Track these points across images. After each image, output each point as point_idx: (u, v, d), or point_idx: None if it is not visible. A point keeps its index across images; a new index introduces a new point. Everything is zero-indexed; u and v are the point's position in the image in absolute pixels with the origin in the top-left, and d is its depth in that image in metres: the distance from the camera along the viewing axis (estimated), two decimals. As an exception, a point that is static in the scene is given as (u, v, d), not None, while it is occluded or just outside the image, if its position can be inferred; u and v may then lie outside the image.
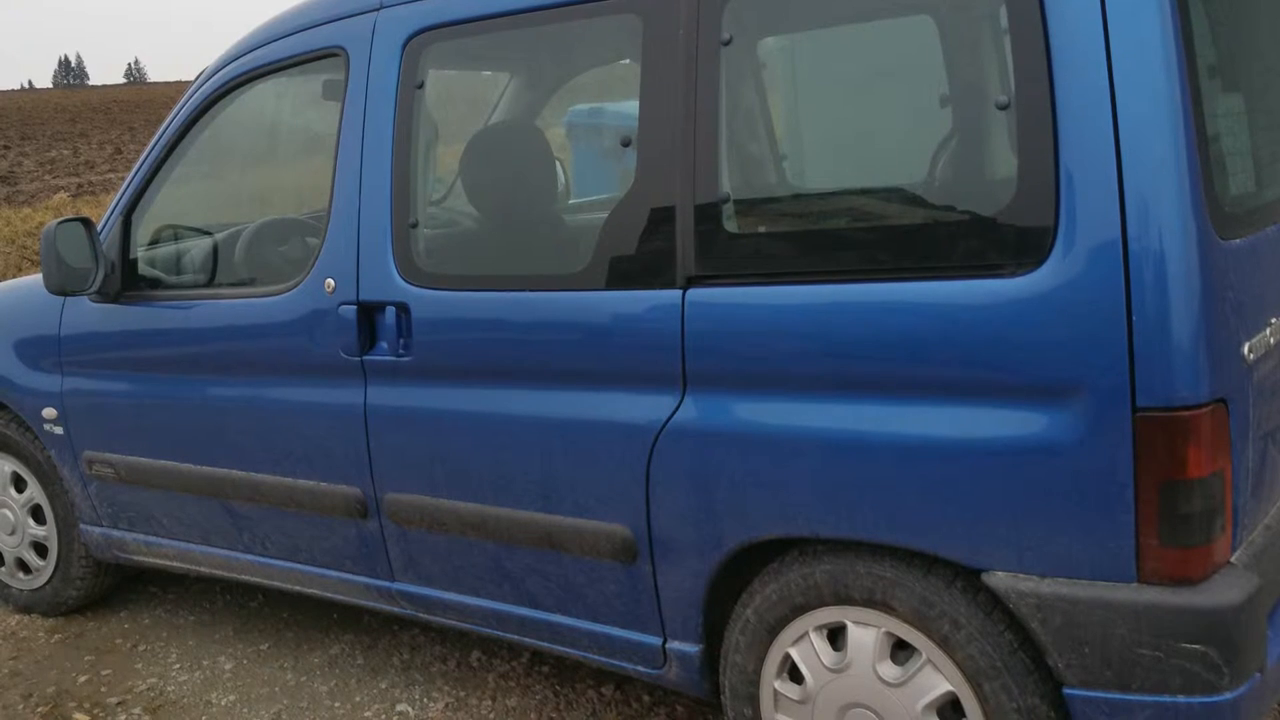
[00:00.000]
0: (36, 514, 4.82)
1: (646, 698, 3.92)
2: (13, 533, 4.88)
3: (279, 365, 3.78)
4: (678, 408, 2.99)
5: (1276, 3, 3.15)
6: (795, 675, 2.99)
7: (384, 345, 3.49)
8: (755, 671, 3.04)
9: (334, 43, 3.65)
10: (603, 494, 3.15)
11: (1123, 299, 2.38)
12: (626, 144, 3.06)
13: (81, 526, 4.65)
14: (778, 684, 3.01)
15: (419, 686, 4.12)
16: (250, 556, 4.16)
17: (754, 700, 3.07)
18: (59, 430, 4.51)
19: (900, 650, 2.82)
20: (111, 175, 28.73)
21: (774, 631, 2.97)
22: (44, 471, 4.70)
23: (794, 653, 2.96)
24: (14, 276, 12.69)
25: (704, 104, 2.91)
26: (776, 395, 2.84)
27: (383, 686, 4.14)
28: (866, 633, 2.83)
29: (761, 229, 2.99)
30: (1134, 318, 2.38)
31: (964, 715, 2.74)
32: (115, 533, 4.54)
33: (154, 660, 4.50)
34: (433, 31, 3.42)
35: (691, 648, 3.16)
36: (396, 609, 3.85)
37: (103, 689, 4.30)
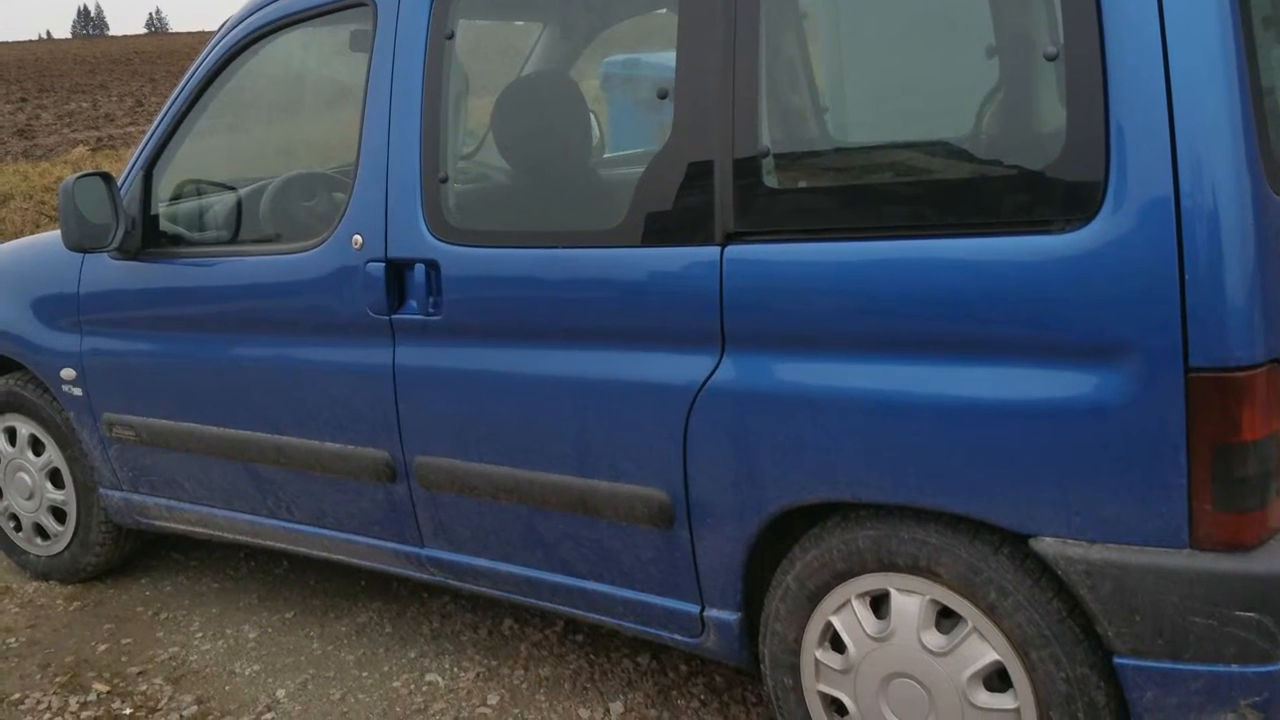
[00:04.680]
0: (55, 478, 4.77)
1: (684, 667, 3.87)
2: (30, 497, 4.83)
3: (305, 324, 3.72)
4: (716, 368, 2.93)
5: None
6: (837, 644, 2.94)
7: (413, 304, 3.43)
8: (796, 640, 2.98)
9: None
10: (639, 457, 3.09)
11: (1175, 256, 2.32)
12: (663, 96, 2.99)
13: (101, 490, 4.61)
14: (819, 653, 2.96)
15: (449, 656, 4.07)
16: (275, 521, 4.12)
17: (795, 669, 3.02)
18: (78, 391, 4.46)
19: (945, 618, 2.77)
20: (132, 129, 28.54)
21: (815, 599, 2.92)
22: (62, 434, 4.65)
23: (836, 621, 2.91)
24: (31, 233, 12.69)
25: (743, 55, 2.84)
26: (817, 355, 2.78)
27: (412, 656, 4.10)
28: (910, 600, 2.78)
29: (802, 184, 2.93)
30: (1186, 275, 2.32)
31: (1010, 685, 2.69)
32: (136, 497, 4.50)
33: (176, 629, 4.45)
34: None
35: (730, 615, 3.11)
36: (426, 575, 3.80)
37: (123, 658, 4.26)
